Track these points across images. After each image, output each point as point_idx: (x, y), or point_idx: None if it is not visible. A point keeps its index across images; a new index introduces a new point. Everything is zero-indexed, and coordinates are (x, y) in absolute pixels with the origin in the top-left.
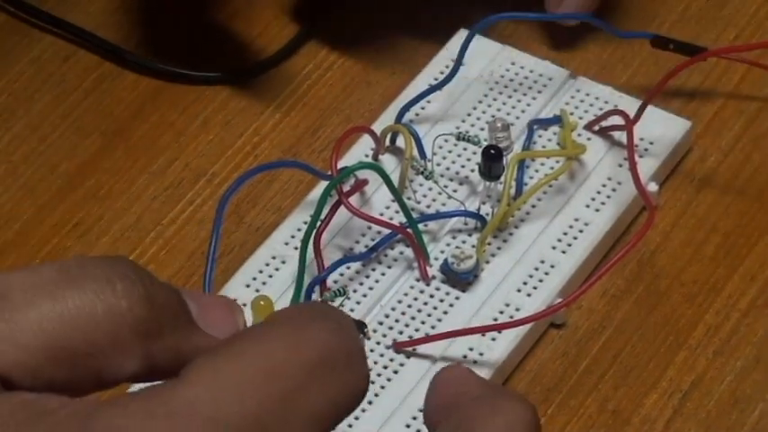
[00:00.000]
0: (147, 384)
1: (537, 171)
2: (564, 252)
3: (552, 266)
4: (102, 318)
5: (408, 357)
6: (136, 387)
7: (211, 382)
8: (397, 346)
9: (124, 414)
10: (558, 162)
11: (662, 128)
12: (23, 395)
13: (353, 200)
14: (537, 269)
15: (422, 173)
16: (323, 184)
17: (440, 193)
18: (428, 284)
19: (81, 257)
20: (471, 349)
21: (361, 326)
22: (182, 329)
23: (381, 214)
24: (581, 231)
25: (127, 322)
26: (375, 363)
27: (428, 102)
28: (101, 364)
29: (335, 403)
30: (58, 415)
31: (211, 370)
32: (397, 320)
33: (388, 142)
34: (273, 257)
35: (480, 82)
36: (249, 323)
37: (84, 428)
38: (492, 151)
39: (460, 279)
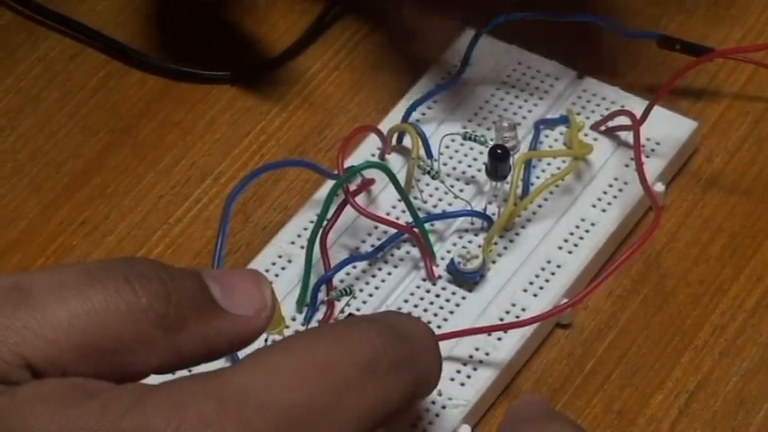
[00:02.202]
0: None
1: (543, 171)
2: (570, 252)
3: (558, 266)
4: (126, 315)
5: None
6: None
7: (265, 371)
8: None
9: (179, 393)
10: (564, 162)
11: (668, 128)
12: (73, 378)
13: (360, 199)
14: (543, 269)
15: (428, 172)
16: (329, 184)
17: (446, 193)
18: (434, 284)
19: (100, 260)
20: (477, 349)
21: None
22: (205, 317)
23: (388, 214)
24: (587, 231)
25: (148, 319)
26: None
27: (435, 101)
28: (126, 360)
29: (382, 404)
30: (110, 393)
31: (266, 361)
32: None
33: (394, 142)
34: (279, 256)
35: (487, 82)
36: None
37: (138, 403)
38: (498, 151)
39: (467, 279)
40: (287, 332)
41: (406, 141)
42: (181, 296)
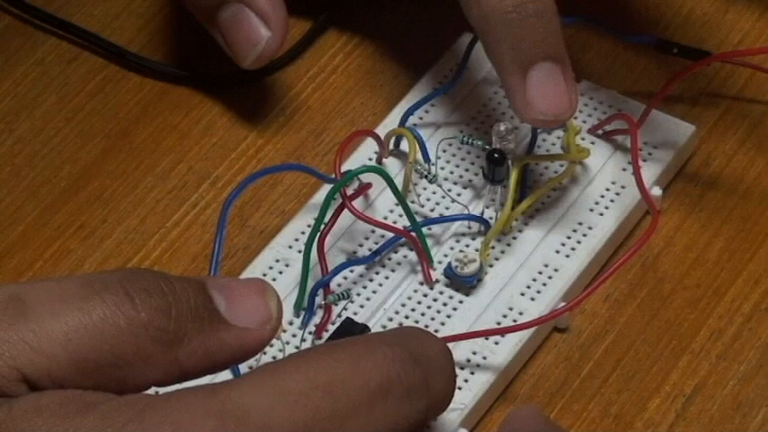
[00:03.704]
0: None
1: (541, 175)
2: (567, 256)
3: (556, 270)
4: (124, 330)
5: None
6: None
7: (269, 388)
8: None
9: (179, 408)
10: (561, 166)
11: (666, 132)
12: (71, 390)
13: (357, 203)
14: (540, 273)
15: (425, 176)
16: (326, 188)
17: (443, 197)
18: (431, 288)
19: (101, 271)
20: (475, 353)
21: (364, 330)
22: (207, 330)
23: (385, 218)
24: (584, 235)
25: (148, 334)
26: None
27: (432, 105)
28: (125, 373)
29: (390, 429)
30: (109, 405)
31: (270, 377)
32: (400, 324)
33: (391, 146)
34: (277, 261)
35: (484, 85)
36: None
37: (138, 417)
38: (496, 155)
39: (464, 283)
40: (284, 336)
41: (404, 145)
42: (182, 309)
